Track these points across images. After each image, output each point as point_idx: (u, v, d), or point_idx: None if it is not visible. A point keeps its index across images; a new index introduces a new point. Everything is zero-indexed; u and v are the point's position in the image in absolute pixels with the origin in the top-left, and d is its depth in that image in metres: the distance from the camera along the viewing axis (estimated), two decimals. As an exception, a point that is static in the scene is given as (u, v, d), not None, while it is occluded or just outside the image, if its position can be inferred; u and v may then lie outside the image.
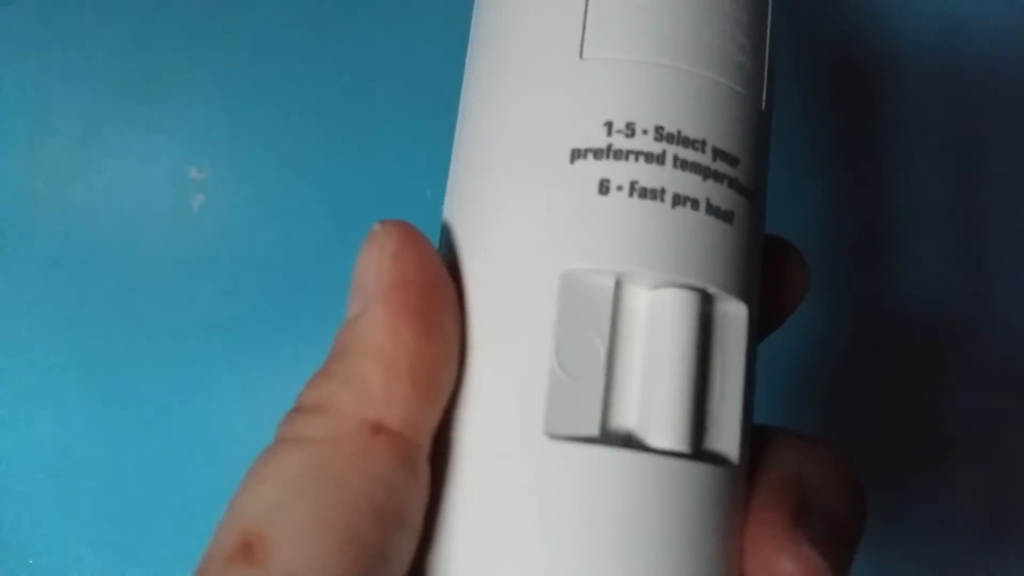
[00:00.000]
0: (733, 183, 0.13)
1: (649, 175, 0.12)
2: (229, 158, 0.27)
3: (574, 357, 0.12)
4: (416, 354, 0.11)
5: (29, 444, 0.25)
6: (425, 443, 0.12)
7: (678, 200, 0.12)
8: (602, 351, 0.12)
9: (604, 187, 0.12)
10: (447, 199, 0.15)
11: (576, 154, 0.13)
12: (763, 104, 0.14)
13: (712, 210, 0.13)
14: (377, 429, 0.11)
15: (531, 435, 0.12)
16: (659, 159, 0.12)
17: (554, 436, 0.12)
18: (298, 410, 0.12)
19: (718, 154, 0.13)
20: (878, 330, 0.29)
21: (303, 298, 0.27)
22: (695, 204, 0.13)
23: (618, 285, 0.12)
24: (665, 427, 0.12)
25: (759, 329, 0.14)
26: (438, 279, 0.12)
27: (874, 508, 0.14)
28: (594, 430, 0.12)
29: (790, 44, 0.30)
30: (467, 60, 0.15)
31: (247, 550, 0.10)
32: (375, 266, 0.12)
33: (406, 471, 0.11)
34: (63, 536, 0.25)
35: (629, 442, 0.12)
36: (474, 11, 0.15)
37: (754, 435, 0.13)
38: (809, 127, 0.30)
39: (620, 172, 0.12)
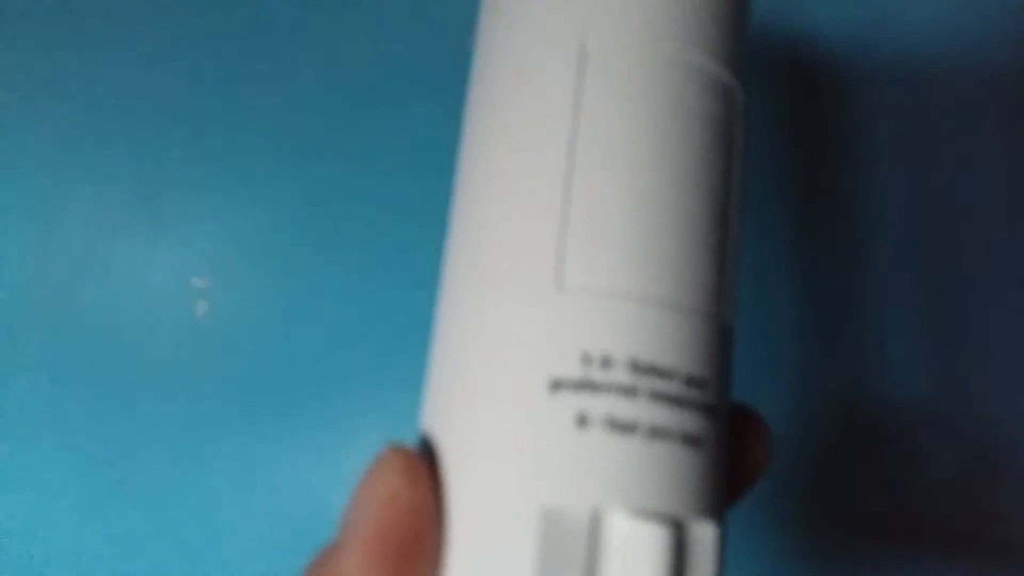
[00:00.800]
0: (702, 407, 0.14)
1: (624, 409, 0.13)
2: (230, 267, 0.28)
3: None
4: None
5: (45, 549, 0.26)
6: None
7: (653, 433, 0.13)
8: None
9: (582, 421, 0.13)
10: (425, 403, 0.15)
11: (555, 385, 0.13)
12: (729, 318, 0.15)
13: (685, 439, 0.13)
14: None
15: None
16: (633, 392, 0.13)
17: None
18: None
19: (690, 381, 0.14)
20: (854, 426, 0.30)
21: (302, 400, 0.28)
22: (669, 435, 0.13)
23: (595, 518, 0.13)
24: None
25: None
26: (424, 529, 0.13)
27: None
28: None
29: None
30: (443, 281, 0.15)
31: None
32: (369, 503, 0.13)
33: None
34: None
35: None
36: (447, 238, 0.16)
37: None
38: (778, 223, 0.31)
39: (597, 405, 0.13)
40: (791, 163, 0.32)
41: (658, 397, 0.13)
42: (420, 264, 0.29)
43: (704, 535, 0.13)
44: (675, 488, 0.13)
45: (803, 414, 0.30)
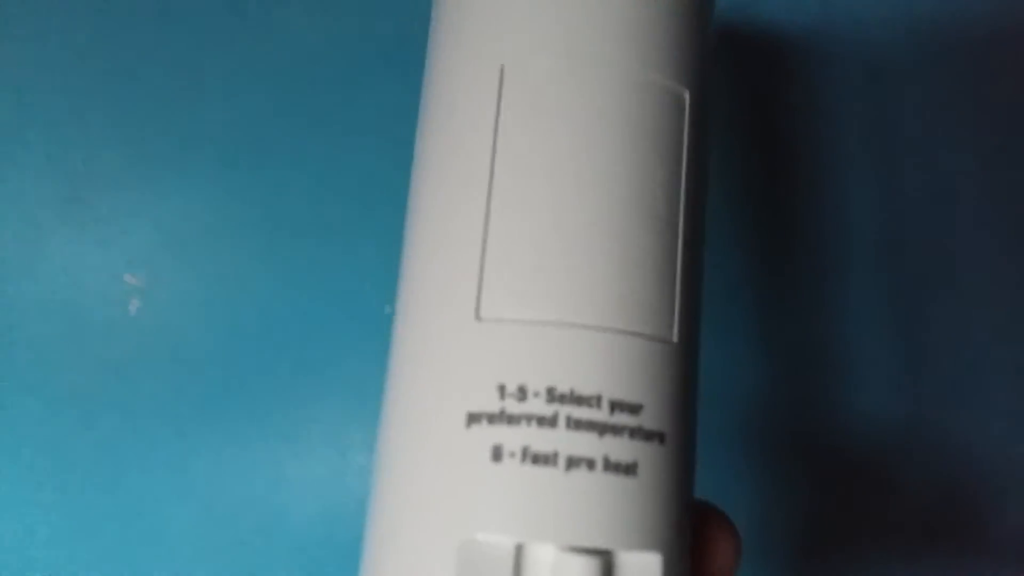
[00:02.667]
0: (636, 432, 0.13)
1: (541, 439, 0.12)
2: (164, 264, 0.27)
3: None
4: None
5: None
6: None
7: (572, 463, 0.12)
8: None
9: (497, 454, 0.12)
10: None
11: (472, 419, 0.13)
12: (674, 336, 0.14)
13: (611, 467, 0.13)
14: None
15: None
16: (551, 422, 0.13)
17: None
18: None
19: (616, 406, 0.13)
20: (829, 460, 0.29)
21: (239, 400, 0.27)
22: (591, 464, 0.13)
23: (519, 550, 0.12)
24: None
25: None
26: None
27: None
28: None
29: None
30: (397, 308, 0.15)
31: None
32: None
33: None
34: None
35: None
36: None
37: None
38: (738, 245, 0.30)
39: (513, 437, 0.12)
40: (754, 163, 0.31)
41: (579, 425, 0.13)
42: (362, 259, 0.28)
43: (645, 562, 0.13)
44: (602, 521, 0.12)
45: (774, 434, 0.29)
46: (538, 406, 0.13)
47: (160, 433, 0.27)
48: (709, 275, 0.16)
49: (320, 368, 0.27)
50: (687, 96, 0.15)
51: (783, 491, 0.29)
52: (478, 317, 0.13)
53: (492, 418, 0.13)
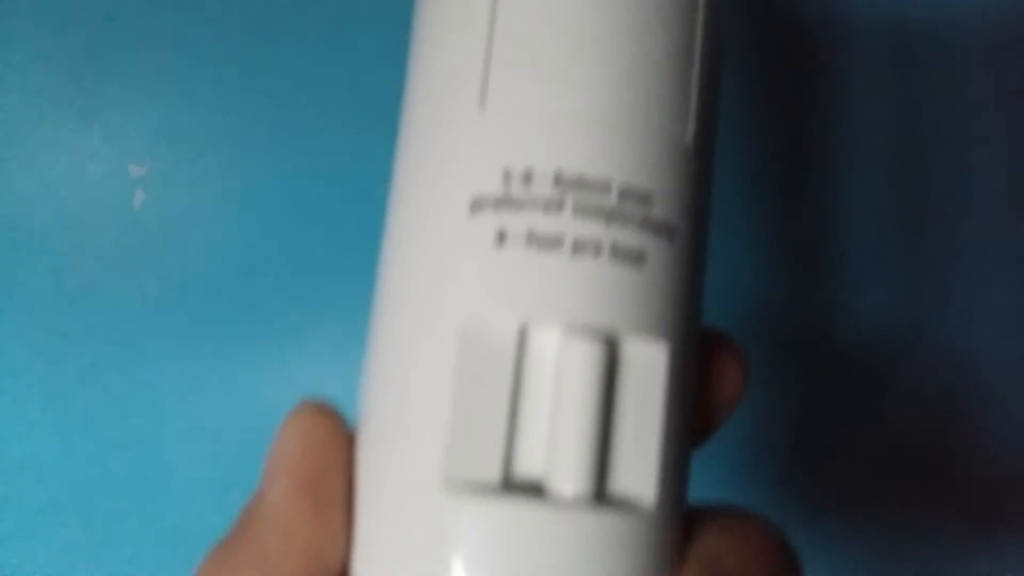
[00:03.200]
0: (645, 222, 0.13)
1: (547, 223, 0.12)
2: (169, 154, 0.26)
3: (475, 405, 0.12)
4: (310, 531, 0.13)
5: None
6: None
7: (578, 247, 0.12)
8: (504, 400, 0.12)
9: (501, 238, 0.12)
10: None
11: (475, 205, 0.12)
12: (688, 136, 0.13)
13: (619, 253, 0.12)
14: None
15: (429, 486, 0.12)
16: (557, 206, 0.12)
17: (453, 486, 0.12)
18: None
19: (626, 194, 0.13)
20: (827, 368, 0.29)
21: (249, 291, 0.27)
22: (597, 249, 0.12)
23: (523, 333, 0.12)
24: (567, 471, 0.12)
25: (693, 436, 0.14)
26: (334, 464, 0.13)
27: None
28: (495, 476, 0.12)
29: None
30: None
31: None
32: (285, 447, 0.14)
33: None
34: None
35: (535, 491, 0.12)
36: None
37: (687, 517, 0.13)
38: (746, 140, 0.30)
39: (517, 222, 0.12)
40: (761, 71, 0.30)
41: (586, 210, 0.12)
42: (373, 153, 0.28)
43: (651, 352, 0.13)
44: (607, 305, 0.12)
45: (774, 337, 0.29)
46: (544, 190, 0.12)
47: (166, 330, 0.27)
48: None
49: (331, 260, 0.27)
50: None
51: (778, 394, 0.28)
52: (484, 103, 0.13)
53: (497, 203, 0.12)
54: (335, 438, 0.14)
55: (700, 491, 0.14)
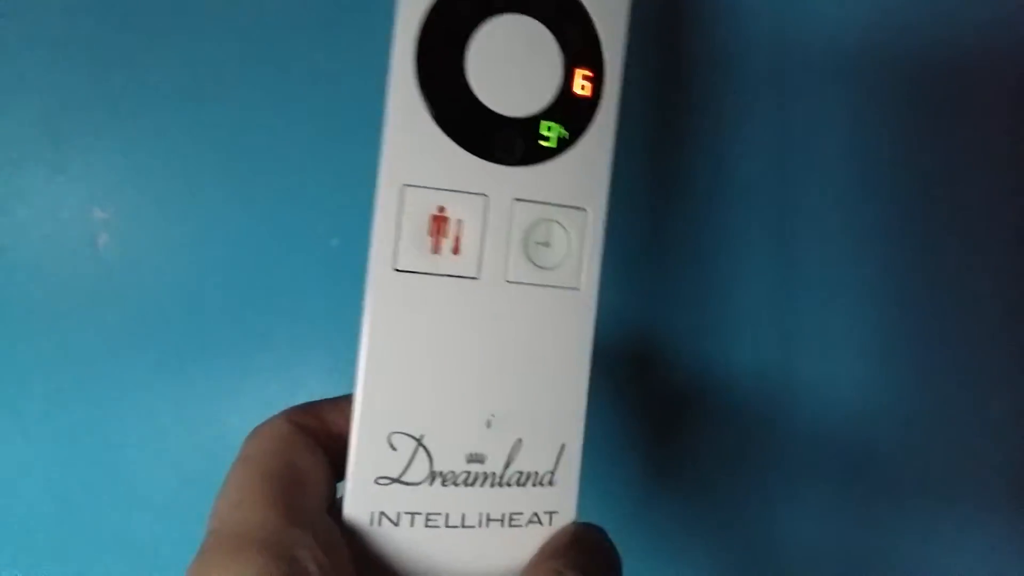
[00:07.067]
0: None
1: None
2: (132, 198, 0.29)
3: None
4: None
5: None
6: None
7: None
8: None
9: None
10: None
11: None
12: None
13: None
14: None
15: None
16: None
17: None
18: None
19: None
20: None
21: (201, 325, 0.29)
22: None
23: None
24: None
25: None
26: (302, 472, 0.17)
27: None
28: None
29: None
30: None
31: None
32: (259, 447, 0.17)
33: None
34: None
35: None
36: None
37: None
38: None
39: None
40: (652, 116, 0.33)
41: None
42: (325, 197, 0.30)
43: None
44: None
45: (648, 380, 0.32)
46: None
47: (127, 364, 0.29)
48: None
49: (284, 296, 0.29)
50: None
51: (665, 436, 0.32)
52: None
53: None
54: (302, 453, 0.17)
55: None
